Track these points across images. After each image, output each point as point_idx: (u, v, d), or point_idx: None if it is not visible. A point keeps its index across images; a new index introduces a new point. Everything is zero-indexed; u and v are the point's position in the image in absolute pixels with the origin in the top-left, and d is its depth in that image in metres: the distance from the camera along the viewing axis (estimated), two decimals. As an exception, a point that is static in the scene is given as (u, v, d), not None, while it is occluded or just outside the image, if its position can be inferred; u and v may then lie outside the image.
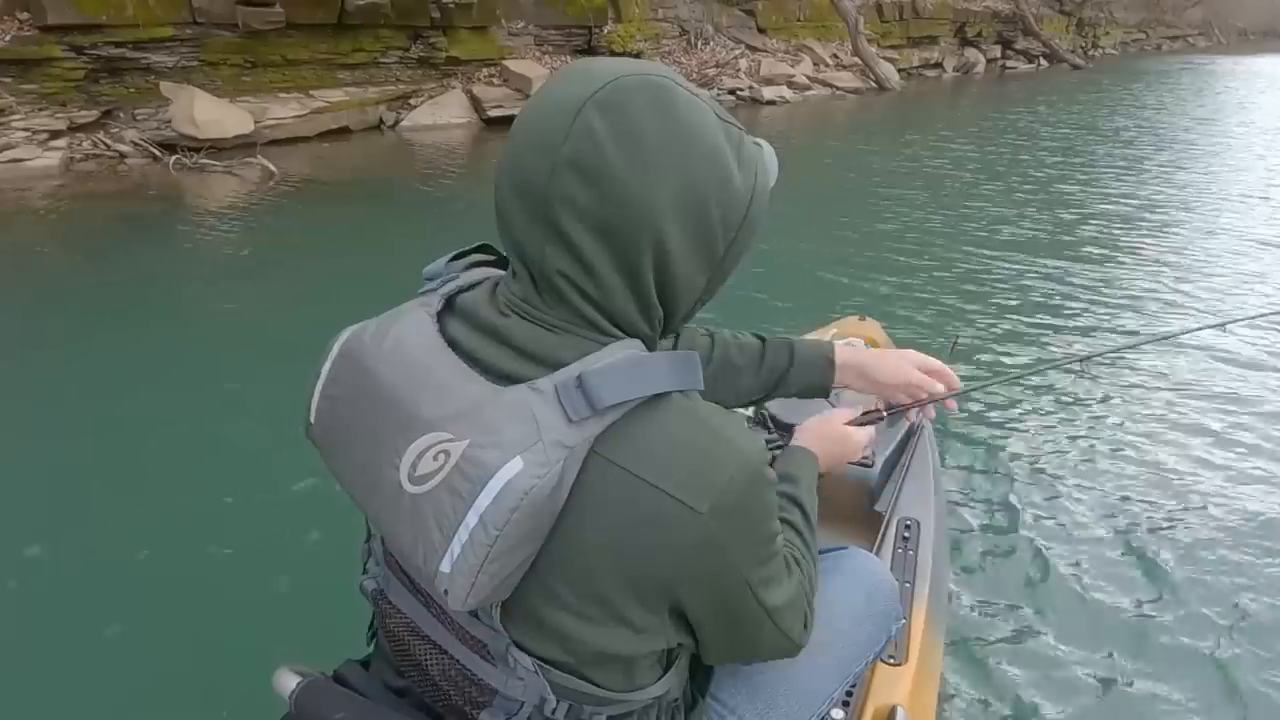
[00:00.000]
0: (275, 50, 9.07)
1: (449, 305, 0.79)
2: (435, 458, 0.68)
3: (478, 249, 0.87)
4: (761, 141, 0.81)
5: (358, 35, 9.68)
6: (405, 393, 0.72)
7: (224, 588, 2.15)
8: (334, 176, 7.64)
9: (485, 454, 0.66)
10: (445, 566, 0.67)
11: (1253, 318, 3.58)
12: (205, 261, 5.16)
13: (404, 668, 0.88)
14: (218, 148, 7.93)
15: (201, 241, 5.49)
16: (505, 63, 10.96)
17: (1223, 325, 3.60)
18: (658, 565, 0.70)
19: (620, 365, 0.68)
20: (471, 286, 0.80)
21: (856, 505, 1.82)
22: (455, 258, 0.86)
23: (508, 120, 10.32)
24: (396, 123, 10.01)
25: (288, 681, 0.85)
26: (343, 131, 9.43)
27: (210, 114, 7.92)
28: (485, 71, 11.06)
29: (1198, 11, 39.84)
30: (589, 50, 12.56)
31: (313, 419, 0.80)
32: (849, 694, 1.28)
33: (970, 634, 2.11)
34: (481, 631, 0.76)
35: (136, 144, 7.71)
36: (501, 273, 0.80)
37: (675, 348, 1.17)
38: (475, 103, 10.43)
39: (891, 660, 1.38)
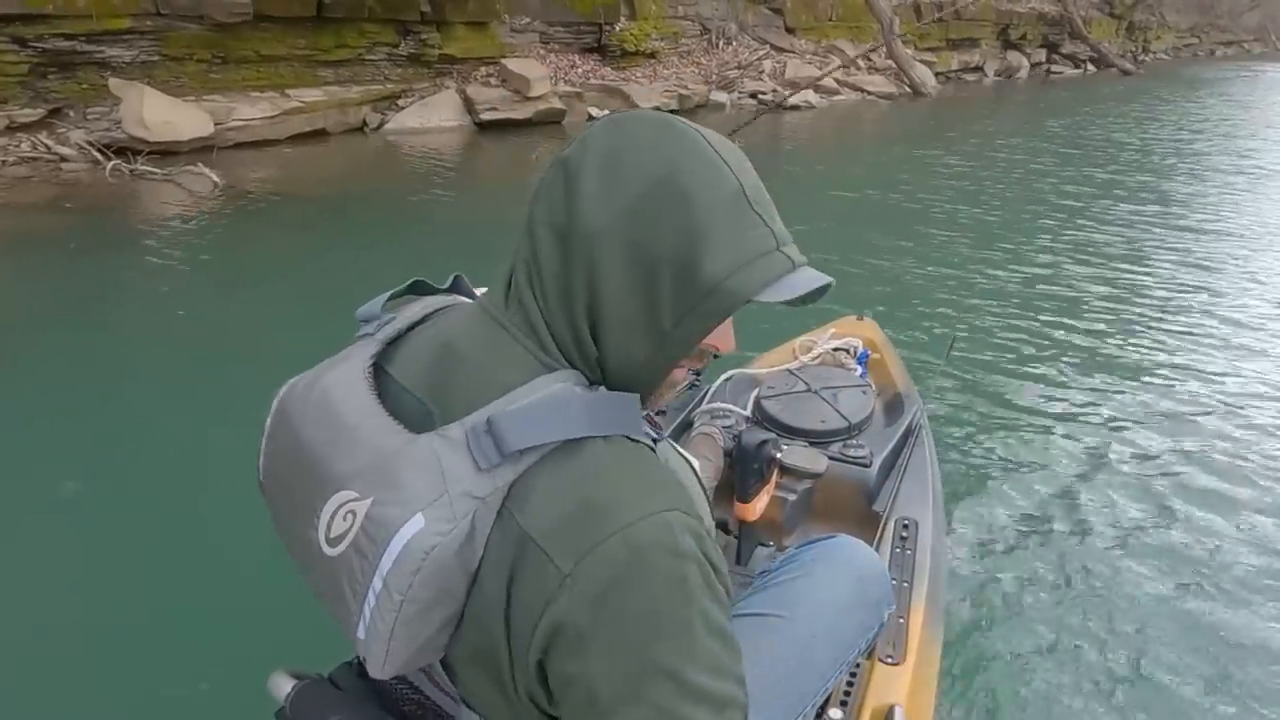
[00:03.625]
0: (248, 45, 8.32)
1: (392, 345, 0.76)
2: (344, 518, 0.64)
3: (411, 287, 0.84)
4: (804, 266, 0.71)
5: (340, 30, 8.92)
6: (320, 449, 0.69)
7: (219, 591, 2.11)
8: (298, 187, 6.88)
9: (387, 512, 0.62)
10: (360, 633, 0.64)
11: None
12: (111, 291, 4.42)
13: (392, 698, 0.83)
14: (172, 151, 7.20)
15: (111, 266, 4.74)
16: (504, 61, 10.14)
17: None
18: (521, 624, 0.61)
19: (537, 405, 0.63)
20: (418, 322, 0.77)
21: (855, 505, 1.82)
22: (392, 297, 0.82)
23: (503, 125, 9.58)
24: (381, 125, 9.23)
25: (284, 684, 0.83)
26: (319, 134, 8.67)
27: (162, 114, 7.20)
28: (483, 70, 10.27)
29: (1254, 16, 38.17)
30: (598, 49, 11.74)
31: (261, 476, 0.78)
32: (847, 693, 1.31)
33: (968, 633, 2.10)
34: (442, 680, 0.72)
35: (82, 146, 6.99)
36: (451, 299, 0.81)
37: None
38: (469, 104, 9.63)
39: (890, 660, 1.38)
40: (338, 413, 0.70)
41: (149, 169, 6.64)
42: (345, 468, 0.66)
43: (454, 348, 0.71)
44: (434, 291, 0.84)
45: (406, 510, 0.61)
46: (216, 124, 7.68)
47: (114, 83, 7.31)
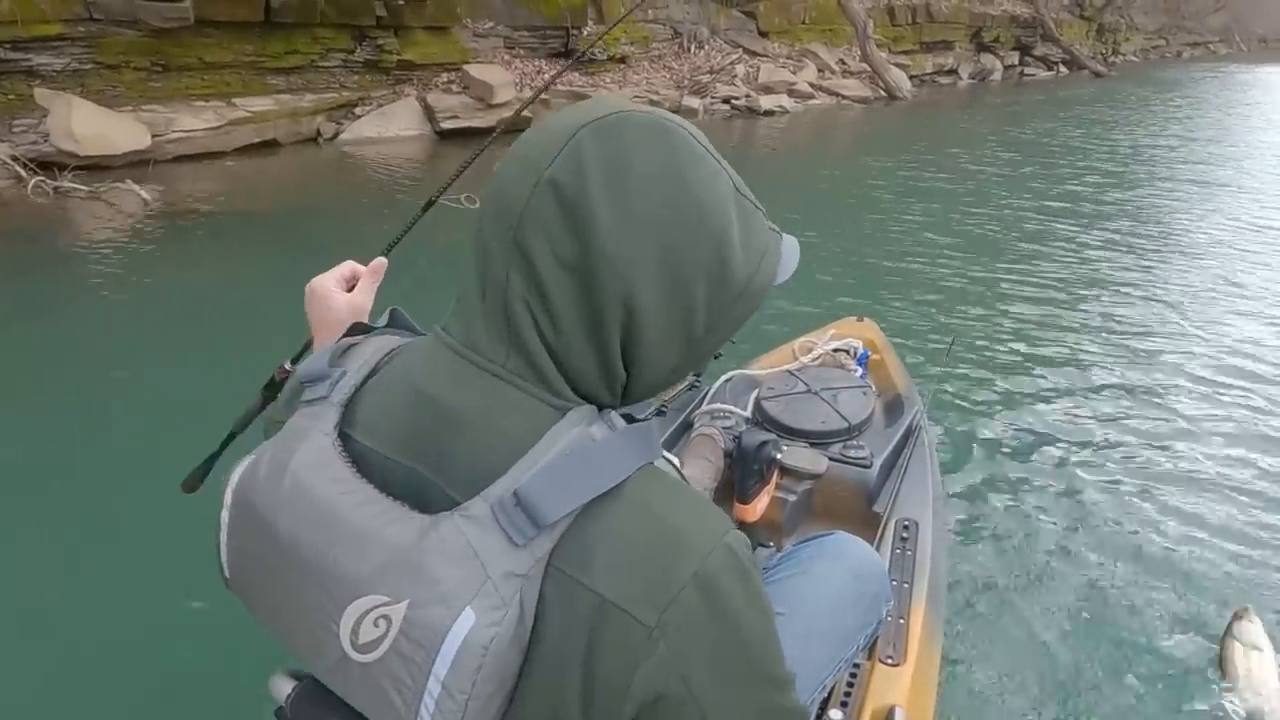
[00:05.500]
0: (190, 51, 7.83)
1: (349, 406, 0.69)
2: (375, 624, 0.59)
3: (350, 331, 0.78)
4: (783, 233, 0.74)
5: (291, 35, 8.44)
6: (319, 550, 0.62)
7: (218, 592, 1.78)
8: (243, 203, 6.39)
9: (429, 613, 0.57)
10: None
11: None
12: (11, 328, 3.93)
13: None
14: (104, 166, 6.69)
15: (16, 297, 4.25)
16: (466, 68, 9.70)
17: None
18: (608, 687, 0.58)
19: (561, 466, 0.58)
20: (373, 373, 0.70)
21: (855, 505, 1.82)
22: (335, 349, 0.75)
23: (464, 133, 9.15)
24: (336, 135, 8.75)
25: (284, 685, 0.79)
26: (269, 146, 8.18)
27: (93, 126, 6.69)
28: (444, 77, 9.82)
29: (1219, 18, 38.60)
30: (566, 54, 11.33)
31: (227, 573, 0.71)
32: (847, 694, 1.30)
33: (969, 633, 2.09)
34: None
35: (4, 162, 6.46)
36: (400, 338, 0.75)
37: None
38: (429, 112, 9.18)
39: (890, 660, 1.37)
40: (326, 507, 0.62)
41: (74, 186, 6.12)
42: (359, 570, 0.60)
43: (440, 404, 0.64)
44: (370, 330, 0.77)
45: (452, 608, 0.56)
46: (155, 136, 7.19)
47: (40, 93, 6.80)
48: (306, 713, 0.78)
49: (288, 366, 1.21)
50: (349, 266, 1.04)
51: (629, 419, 0.65)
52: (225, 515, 0.69)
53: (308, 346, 1.18)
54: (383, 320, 0.78)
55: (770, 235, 0.70)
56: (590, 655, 0.58)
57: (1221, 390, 3.63)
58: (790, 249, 0.74)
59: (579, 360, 0.63)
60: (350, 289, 1.02)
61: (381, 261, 1.06)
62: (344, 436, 0.67)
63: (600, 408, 0.65)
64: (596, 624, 0.57)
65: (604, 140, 0.60)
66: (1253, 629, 2.00)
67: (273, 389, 1.21)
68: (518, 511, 0.57)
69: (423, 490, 0.63)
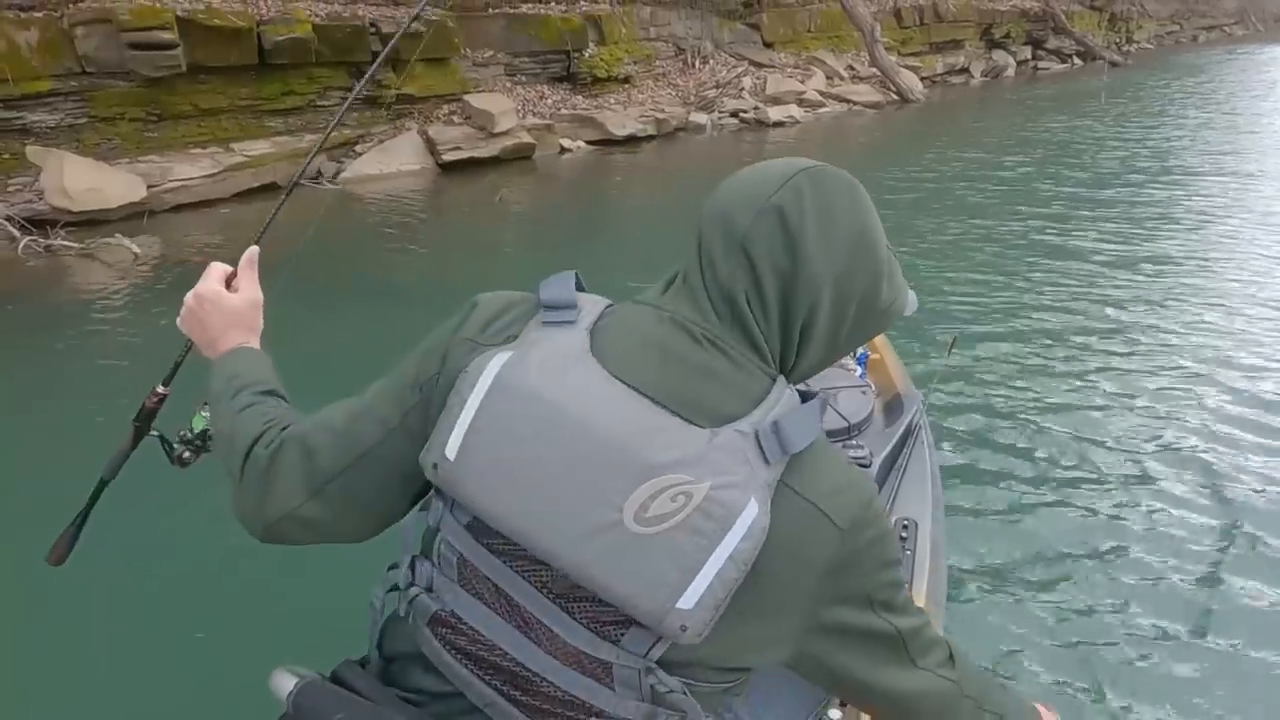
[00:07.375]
0: (185, 99, 7.72)
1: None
2: (674, 499, 0.70)
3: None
4: (908, 287, 0.91)
5: (286, 76, 8.31)
6: (620, 435, 0.72)
7: (219, 591, 2.08)
8: (236, 250, 6.14)
9: (728, 495, 0.70)
10: (686, 604, 0.69)
11: None
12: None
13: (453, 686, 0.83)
14: (101, 220, 6.55)
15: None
16: (467, 98, 9.53)
17: None
18: (810, 565, 0.75)
19: (801, 413, 0.75)
20: (599, 317, 0.81)
21: None
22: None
23: (467, 164, 8.97)
24: (338, 174, 8.59)
25: (285, 683, 0.82)
26: (269, 189, 8.01)
27: (86, 181, 6.55)
28: (446, 109, 9.66)
29: (1233, 0, 37.93)
30: (568, 77, 11.16)
31: (450, 454, 0.76)
32: None
33: (968, 633, 2.09)
34: (609, 654, 0.75)
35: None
36: (605, 301, 0.84)
37: None
38: (430, 145, 9.00)
39: None
40: (621, 402, 0.73)
41: (66, 243, 5.97)
42: (665, 457, 0.71)
43: (689, 359, 0.76)
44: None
45: (744, 493, 0.69)
46: (151, 186, 7.05)
47: (31, 150, 6.69)
48: (310, 709, 0.81)
49: (160, 390, 1.23)
50: (218, 268, 1.09)
51: (802, 395, 0.78)
52: (474, 398, 0.74)
53: (178, 366, 1.22)
54: (569, 280, 0.84)
55: (904, 280, 0.88)
56: (801, 544, 0.73)
57: (1222, 392, 3.55)
58: (913, 297, 0.92)
59: (775, 344, 0.79)
60: (229, 288, 1.08)
61: (254, 250, 1.12)
62: None
63: None
64: (810, 523, 0.74)
65: (817, 183, 0.78)
66: None
67: (145, 419, 1.21)
68: (774, 437, 0.71)
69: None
